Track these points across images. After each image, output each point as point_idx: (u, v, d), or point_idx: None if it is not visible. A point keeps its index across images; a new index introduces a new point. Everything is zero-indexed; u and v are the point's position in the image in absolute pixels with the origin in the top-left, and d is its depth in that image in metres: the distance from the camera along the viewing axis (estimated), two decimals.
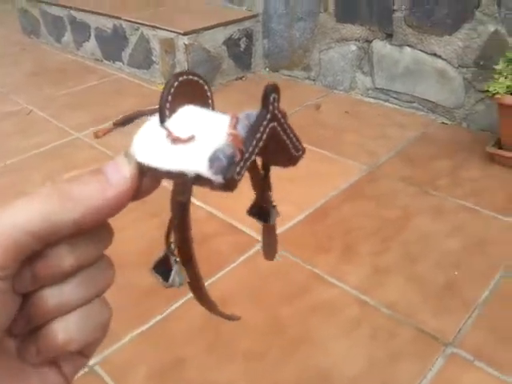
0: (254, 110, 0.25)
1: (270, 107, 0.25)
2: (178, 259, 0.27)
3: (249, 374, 0.94)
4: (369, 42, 2.00)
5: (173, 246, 0.27)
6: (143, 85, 2.34)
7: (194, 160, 0.22)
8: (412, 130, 1.80)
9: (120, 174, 0.23)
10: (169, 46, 2.20)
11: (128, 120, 0.27)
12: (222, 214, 1.37)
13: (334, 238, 1.27)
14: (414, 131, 1.80)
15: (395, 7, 1.85)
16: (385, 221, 1.31)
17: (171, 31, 2.16)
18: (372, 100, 2.06)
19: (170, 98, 0.24)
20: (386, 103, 2.02)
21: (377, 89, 2.04)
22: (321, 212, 1.37)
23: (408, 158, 1.62)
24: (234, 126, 0.23)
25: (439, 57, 1.80)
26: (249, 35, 2.36)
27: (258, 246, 1.23)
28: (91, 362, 0.96)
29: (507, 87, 1.39)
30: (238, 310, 1.06)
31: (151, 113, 0.25)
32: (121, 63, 2.52)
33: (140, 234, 1.32)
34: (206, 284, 0.83)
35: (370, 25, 1.96)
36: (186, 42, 2.12)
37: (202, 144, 0.23)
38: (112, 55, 2.56)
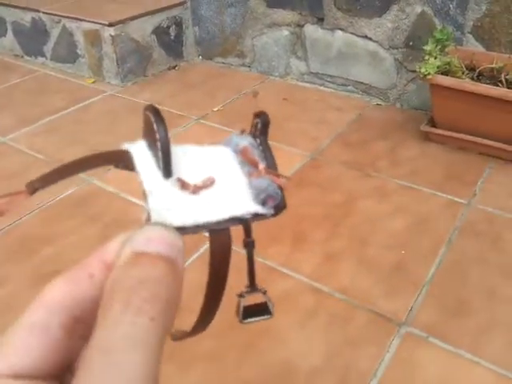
0: (242, 135, 0.26)
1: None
2: None
3: (211, 377, 0.92)
4: (300, 26, 2.00)
5: None
6: (70, 80, 2.22)
7: (239, 202, 0.22)
8: (349, 113, 1.83)
9: (176, 250, 0.19)
10: (94, 38, 2.09)
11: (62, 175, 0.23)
12: None
13: (284, 228, 1.27)
14: (351, 114, 1.83)
15: None
16: (332, 207, 1.33)
17: (96, 22, 2.05)
18: (308, 85, 2.07)
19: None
20: (322, 87, 2.04)
21: (312, 73, 2.06)
22: None
23: (348, 142, 1.65)
24: (256, 161, 0.23)
25: (370, 39, 1.84)
26: (178, 23, 2.28)
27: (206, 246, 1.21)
28: None
29: (438, 67, 1.44)
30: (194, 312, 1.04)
31: (117, 159, 0.22)
32: (44, 58, 2.37)
33: (83, 240, 1.26)
34: None
35: (301, 9, 1.96)
36: (113, 33, 2.02)
37: (230, 183, 0.22)
38: (33, 50, 2.40)
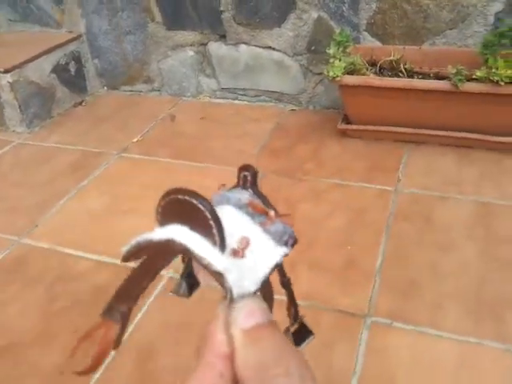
0: (235, 190, 0.27)
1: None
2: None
3: None
4: (204, 44, 2.02)
5: None
6: None
7: (272, 250, 0.24)
8: (267, 123, 1.89)
9: (268, 311, 0.22)
10: None
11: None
12: (111, 259, 1.29)
13: None
14: (269, 123, 1.88)
15: (222, 8, 1.89)
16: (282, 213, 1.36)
17: None
18: (221, 100, 2.10)
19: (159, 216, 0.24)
20: (236, 101, 2.08)
21: (223, 89, 2.09)
22: None
23: (273, 151, 1.70)
24: (265, 210, 0.25)
25: (274, 49, 1.90)
26: (76, 58, 2.21)
27: (165, 276, 1.20)
28: None
29: (344, 68, 1.53)
30: (168, 355, 1.02)
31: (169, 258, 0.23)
32: None
33: (29, 304, 1.18)
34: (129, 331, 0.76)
35: (202, 28, 1.98)
36: (10, 80, 1.91)
37: (256, 236, 0.24)
38: None
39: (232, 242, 0.22)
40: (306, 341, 0.29)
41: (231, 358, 0.20)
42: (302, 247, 1.25)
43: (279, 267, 0.24)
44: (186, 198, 0.22)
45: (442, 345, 0.98)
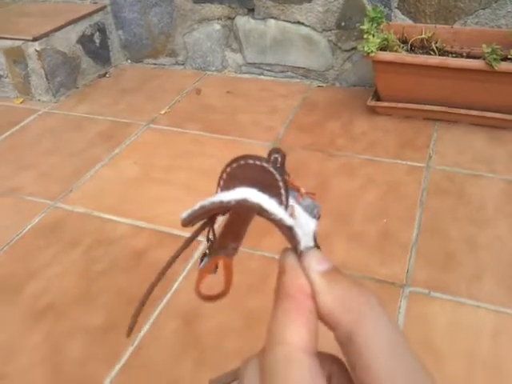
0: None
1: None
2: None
3: None
4: (231, 19, 2.01)
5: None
6: None
7: (309, 219, 0.26)
8: (294, 99, 1.89)
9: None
10: (17, 56, 1.96)
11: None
12: (148, 224, 1.31)
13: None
14: (296, 99, 1.89)
15: None
16: (308, 191, 1.38)
17: (17, 39, 1.92)
18: (247, 75, 2.10)
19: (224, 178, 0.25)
20: (261, 76, 2.08)
21: (249, 64, 2.09)
22: None
23: (302, 126, 1.70)
24: (299, 187, 0.27)
25: (303, 24, 1.90)
26: (101, 29, 2.20)
27: (203, 246, 1.22)
28: None
29: (378, 44, 1.53)
30: (214, 317, 1.05)
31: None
32: None
33: (69, 267, 1.21)
34: (165, 301, 0.80)
35: (230, 2, 1.98)
36: (38, 48, 1.91)
37: (299, 210, 0.26)
38: None
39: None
40: None
41: (312, 296, 0.22)
42: (338, 220, 1.27)
43: (314, 236, 0.26)
44: (257, 162, 0.24)
45: (479, 314, 1.01)
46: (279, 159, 0.27)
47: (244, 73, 2.11)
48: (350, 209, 1.30)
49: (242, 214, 0.24)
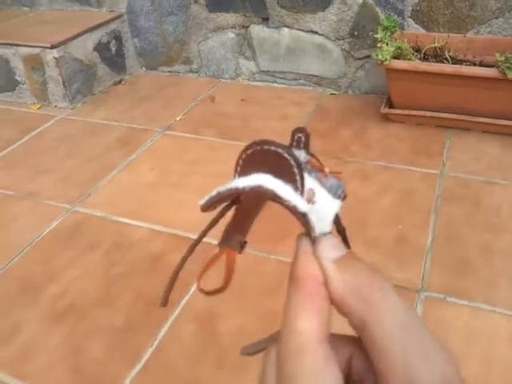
0: (296, 151, 0.28)
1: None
2: None
3: None
4: (246, 27, 2.05)
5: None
6: (12, 109, 2.11)
7: (331, 201, 0.26)
8: (307, 106, 1.91)
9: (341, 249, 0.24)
10: (35, 63, 2.01)
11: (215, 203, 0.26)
12: (165, 228, 1.33)
13: (283, 224, 1.31)
14: (310, 106, 1.91)
15: None
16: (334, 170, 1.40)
17: (35, 46, 1.97)
18: (260, 83, 2.13)
19: (240, 163, 0.25)
20: (275, 84, 2.10)
21: (262, 71, 2.11)
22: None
23: (316, 133, 1.72)
24: (322, 167, 0.27)
25: (316, 33, 1.92)
26: (117, 37, 2.24)
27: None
28: None
29: (392, 52, 1.55)
30: (232, 318, 1.06)
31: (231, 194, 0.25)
32: None
33: (88, 270, 1.23)
34: (182, 303, 0.82)
35: (244, 11, 2.01)
36: (56, 56, 1.95)
37: (317, 189, 0.26)
38: None
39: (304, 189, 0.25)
40: None
41: (324, 283, 0.22)
42: (354, 225, 1.28)
43: (337, 217, 0.26)
44: (272, 148, 0.23)
45: (495, 320, 1.02)
46: (303, 138, 0.28)
47: (257, 80, 2.14)
48: (365, 214, 1.31)
49: (256, 201, 0.24)
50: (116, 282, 1.19)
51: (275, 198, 0.23)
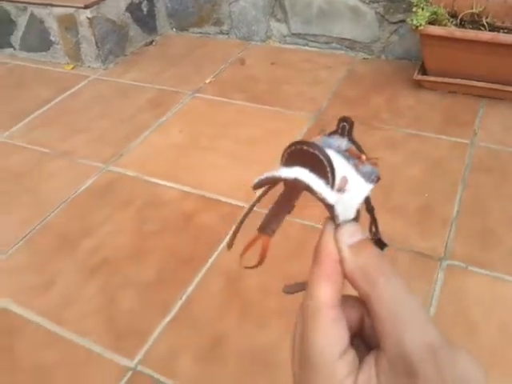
0: (334, 137, 0.32)
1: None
2: None
3: (287, 331, 1.00)
4: None
5: None
6: (46, 68, 2.15)
7: (363, 186, 0.30)
8: (338, 70, 1.89)
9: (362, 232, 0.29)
10: (69, 23, 2.03)
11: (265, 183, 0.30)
12: (195, 190, 1.37)
13: None
14: (341, 71, 1.89)
15: None
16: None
17: (69, 6, 1.99)
18: (291, 46, 2.10)
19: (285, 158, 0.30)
20: (306, 47, 2.08)
21: (294, 34, 2.09)
22: None
23: (346, 99, 1.71)
24: (359, 155, 0.31)
25: None
26: None
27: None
28: (132, 363, 0.97)
29: (427, 17, 1.51)
30: (257, 277, 1.11)
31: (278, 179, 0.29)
32: (11, 49, 2.27)
33: (121, 226, 1.28)
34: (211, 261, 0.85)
35: None
36: (90, 16, 1.97)
37: (351, 176, 0.30)
38: None
39: (336, 179, 0.29)
40: (382, 251, 0.36)
41: (340, 262, 0.27)
42: (380, 192, 1.30)
43: (367, 199, 0.31)
44: (310, 149, 0.28)
45: None
46: (347, 127, 0.32)
47: (288, 43, 2.11)
48: (392, 182, 1.32)
49: (293, 191, 0.29)
50: (148, 238, 1.24)
51: (308, 189, 0.28)
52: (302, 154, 0.28)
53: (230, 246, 0.32)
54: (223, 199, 1.32)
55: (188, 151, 1.53)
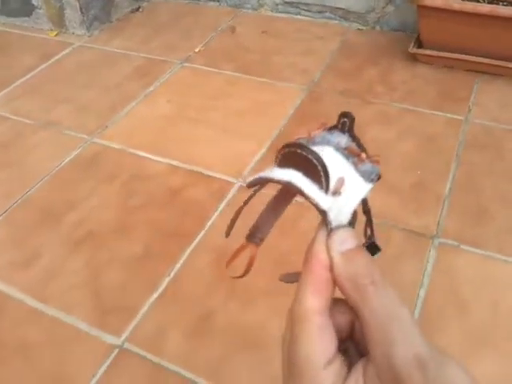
0: (334, 133, 0.31)
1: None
2: None
3: (273, 311, 0.99)
4: None
5: None
6: (29, 34, 2.06)
7: (361, 187, 0.29)
8: (332, 41, 1.84)
9: (357, 238, 0.28)
10: None
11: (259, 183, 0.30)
12: (183, 163, 1.34)
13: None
14: (334, 41, 1.83)
15: None
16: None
17: None
18: (283, 15, 2.04)
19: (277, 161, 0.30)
20: (298, 16, 2.02)
21: (286, 3, 2.02)
22: (280, 143, 1.39)
23: (339, 71, 1.67)
24: (359, 153, 0.30)
25: None
26: None
27: (236, 187, 1.24)
28: (119, 341, 0.95)
29: None
30: (243, 254, 1.08)
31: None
32: None
33: (106, 200, 1.25)
34: (199, 237, 0.84)
35: None
36: None
37: (349, 176, 0.29)
38: None
39: (331, 182, 0.28)
40: (375, 255, 0.35)
41: (330, 269, 0.27)
42: None
43: (364, 199, 0.30)
44: (304, 153, 0.28)
45: (507, 269, 1.02)
46: (347, 123, 0.31)
47: (280, 12, 2.05)
48: (385, 158, 1.30)
49: (287, 193, 0.29)
50: (134, 212, 1.21)
51: (301, 193, 0.27)
52: (295, 156, 0.28)
53: (227, 234, 0.32)
54: (212, 174, 1.28)
55: (176, 123, 1.48)
